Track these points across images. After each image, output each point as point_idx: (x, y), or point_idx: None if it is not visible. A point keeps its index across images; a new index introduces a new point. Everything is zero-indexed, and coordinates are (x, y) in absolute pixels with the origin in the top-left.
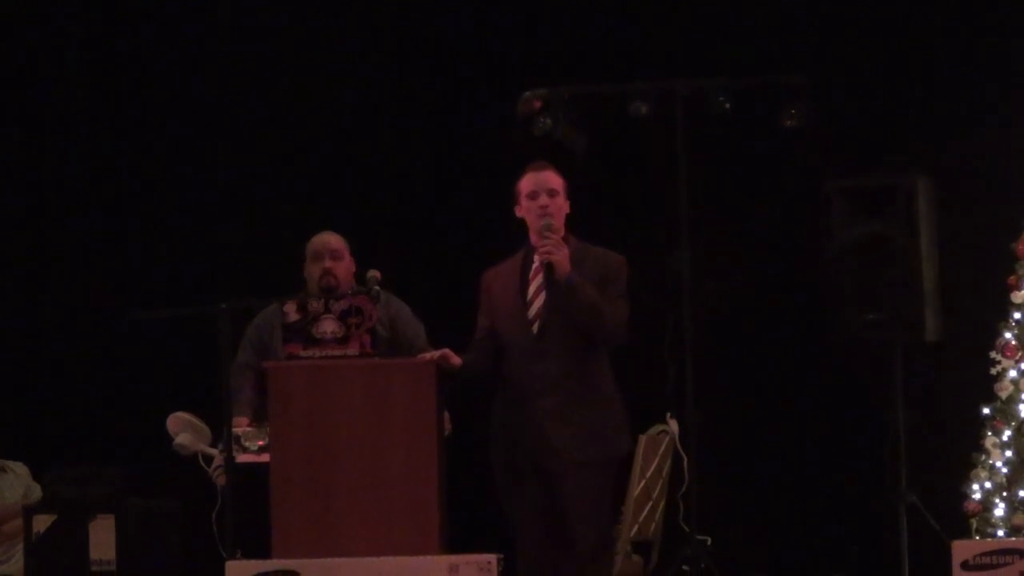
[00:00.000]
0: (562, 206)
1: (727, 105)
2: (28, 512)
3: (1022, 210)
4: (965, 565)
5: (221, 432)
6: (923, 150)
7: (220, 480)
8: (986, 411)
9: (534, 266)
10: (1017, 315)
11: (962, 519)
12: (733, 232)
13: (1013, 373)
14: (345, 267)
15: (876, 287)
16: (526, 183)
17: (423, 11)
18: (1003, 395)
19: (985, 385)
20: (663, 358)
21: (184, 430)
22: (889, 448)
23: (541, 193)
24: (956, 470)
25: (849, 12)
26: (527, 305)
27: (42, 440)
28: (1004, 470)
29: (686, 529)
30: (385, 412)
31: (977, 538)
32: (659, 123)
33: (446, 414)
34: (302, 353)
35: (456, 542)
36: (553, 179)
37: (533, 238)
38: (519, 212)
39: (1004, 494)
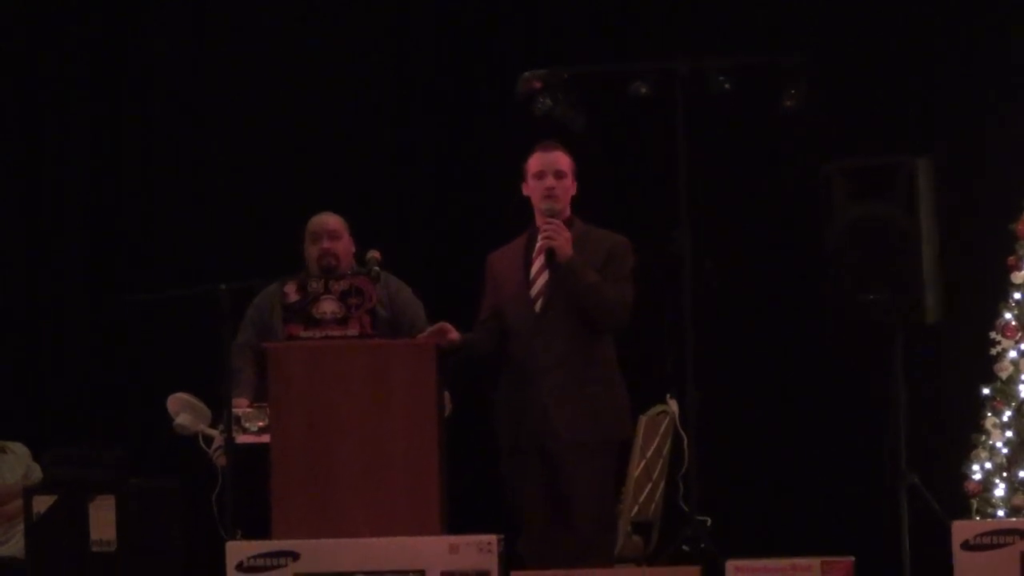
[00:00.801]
0: (568, 188)
1: (727, 86)
2: (28, 493)
3: (1022, 190)
4: (965, 545)
5: (221, 413)
6: (924, 131)
7: (220, 461)
8: (986, 391)
9: (537, 245)
10: (1017, 295)
11: (962, 499)
12: (733, 213)
13: (1013, 353)
14: (344, 247)
15: (876, 268)
16: (534, 162)
17: None
18: (1003, 375)
19: (985, 365)
20: (663, 338)
21: (184, 411)
22: (889, 428)
23: (548, 174)
24: (956, 451)
25: None
26: (530, 284)
27: (42, 421)
28: (1004, 450)
29: (686, 509)
30: (385, 393)
31: (977, 518)
32: (659, 103)
33: (446, 394)
34: (302, 334)
35: (456, 522)
36: (561, 160)
37: (538, 218)
38: (525, 190)
39: (1004, 474)
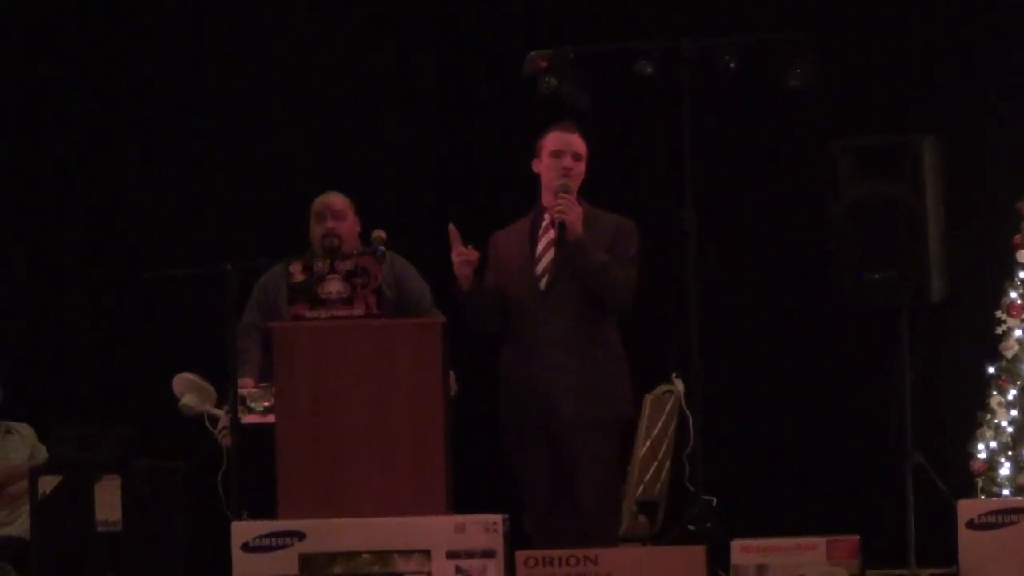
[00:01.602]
0: (582, 171)
1: (732, 65)
2: (34, 473)
3: None
4: (971, 524)
5: (227, 393)
6: (930, 109)
7: (226, 441)
8: (991, 370)
9: (544, 223)
10: (1023, 274)
11: (968, 478)
12: (738, 192)
13: (1019, 332)
14: (348, 227)
15: (882, 247)
16: (553, 140)
17: None
18: (1008, 354)
19: (991, 344)
20: (668, 318)
21: (190, 391)
22: (894, 408)
23: (567, 154)
24: (962, 430)
25: None
26: (536, 261)
27: (48, 401)
28: (1009, 429)
29: (691, 489)
30: (391, 372)
31: (983, 497)
32: (664, 83)
33: (451, 374)
34: (307, 314)
35: (462, 502)
36: (580, 143)
37: (546, 196)
38: (536, 167)
39: (1009, 453)
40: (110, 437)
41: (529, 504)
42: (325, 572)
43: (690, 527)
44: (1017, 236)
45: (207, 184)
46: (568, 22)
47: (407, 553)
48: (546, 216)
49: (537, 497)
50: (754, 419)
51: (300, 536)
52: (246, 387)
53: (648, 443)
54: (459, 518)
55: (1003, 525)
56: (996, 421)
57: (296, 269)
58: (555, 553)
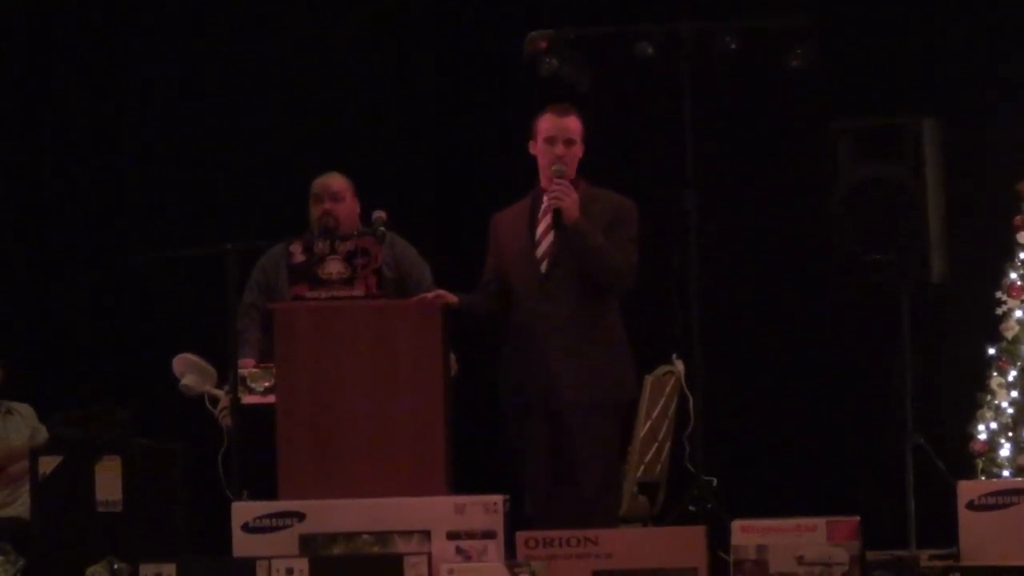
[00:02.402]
0: (577, 154)
1: (733, 46)
2: (34, 454)
3: None
4: (971, 505)
5: (227, 373)
6: (930, 91)
7: (226, 421)
8: (992, 351)
9: (543, 206)
10: (1023, 255)
11: (968, 459)
12: (739, 173)
13: (1019, 313)
14: (347, 208)
15: (882, 229)
16: (546, 126)
17: None
18: (1009, 335)
19: (991, 325)
20: (669, 299)
21: (190, 371)
22: (895, 389)
23: (559, 141)
24: (962, 411)
25: None
26: (535, 244)
27: (48, 382)
28: (1010, 410)
29: (692, 470)
30: (391, 353)
31: (983, 478)
32: (665, 64)
33: (452, 355)
34: (308, 294)
35: (462, 483)
36: (574, 126)
37: (543, 179)
38: (533, 149)
39: (1009, 434)
40: (110, 417)
41: (530, 485)
42: (325, 552)
43: (690, 508)
44: (1018, 217)
45: (208, 165)
46: (569, 3)
47: (407, 534)
48: (545, 199)
49: (537, 478)
50: (754, 400)
51: (300, 517)
52: (246, 367)
53: (648, 424)
54: (459, 499)
55: (1003, 506)
56: (996, 402)
57: (296, 250)
58: (555, 534)
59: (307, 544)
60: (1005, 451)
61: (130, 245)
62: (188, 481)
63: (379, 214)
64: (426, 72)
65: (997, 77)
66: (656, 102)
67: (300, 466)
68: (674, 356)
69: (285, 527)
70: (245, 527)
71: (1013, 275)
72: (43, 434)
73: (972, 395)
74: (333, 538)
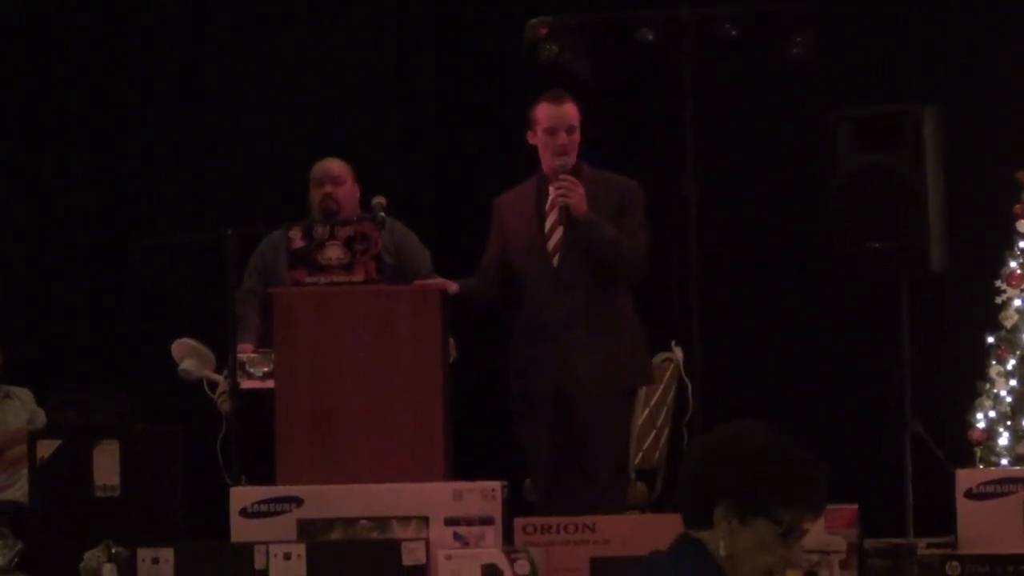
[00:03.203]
0: (577, 140)
1: (734, 33)
2: (32, 438)
3: None
4: (969, 494)
5: (226, 358)
6: (930, 79)
7: (224, 406)
8: (991, 340)
9: (551, 197)
10: (1022, 244)
11: (966, 448)
12: (739, 160)
13: (1018, 302)
14: (347, 193)
15: (882, 217)
16: (544, 115)
17: None
18: (1008, 324)
19: (990, 314)
20: (667, 285)
21: (189, 356)
22: (894, 377)
23: (560, 131)
24: (960, 399)
25: None
26: (546, 238)
27: (47, 366)
28: (1008, 399)
29: None
30: (390, 338)
31: (981, 467)
32: (665, 50)
33: (451, 341)
34: (307, 279)
35: (461, 469)
36: (572, 113)
37: (546, 168)
38: (532, 139)
39: (1008, 423)
40: (109, 402)
41: (535, 472)
42: (323, 538)
43: None
44: (1017, 206)
45: (207, 149)
46: None
47: (405, 519)
48: (551, 190)
49: (544, 465)
50: (753, 388)
51: (298, 502)
52: (245, 352)
53: (647, 411)
54: (458, 485)
55: (1001, 495)
56: (995, 391)
57: (296, 235)
58: (553, 520)
59: (305, 529)
60: (1004, 440)
61: (130, 230)
62: (186, 466)
63: (379, 200)
64: (426, 58)
65: (998, 65)
66: (656, 88)
67: (298, 451)
68: (673, 343)
69: (283, 512)
70: (243, 512)
71: (1013, 263)
72: (42, 418)
73: (971, 383)
74: (331, 523)
